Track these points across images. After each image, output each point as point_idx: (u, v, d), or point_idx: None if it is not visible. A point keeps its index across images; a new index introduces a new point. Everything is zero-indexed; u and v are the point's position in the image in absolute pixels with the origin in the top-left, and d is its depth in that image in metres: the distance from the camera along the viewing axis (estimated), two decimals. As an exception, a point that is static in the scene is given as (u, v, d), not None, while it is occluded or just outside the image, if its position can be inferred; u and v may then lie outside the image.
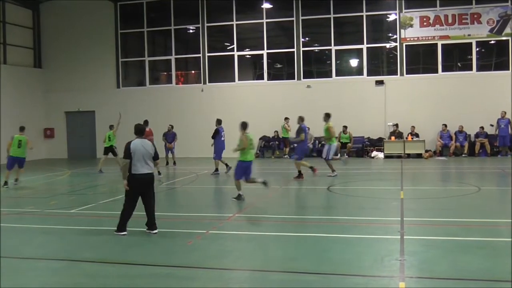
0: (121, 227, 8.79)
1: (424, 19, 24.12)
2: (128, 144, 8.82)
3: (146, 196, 8.88)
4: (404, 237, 8.20)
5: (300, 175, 16.27)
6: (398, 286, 5.92)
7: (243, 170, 12.44)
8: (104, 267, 7.10)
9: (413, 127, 23.53)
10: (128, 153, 8.71)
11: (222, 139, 18.52)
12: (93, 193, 14.56)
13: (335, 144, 17.53)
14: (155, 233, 8.81)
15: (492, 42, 24.31)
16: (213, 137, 18.50)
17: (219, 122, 18.75)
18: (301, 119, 16.40)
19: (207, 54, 26.70)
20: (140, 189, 8.80)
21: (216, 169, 18.34)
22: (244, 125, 13.11)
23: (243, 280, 6.52)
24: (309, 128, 24.23)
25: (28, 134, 17.09)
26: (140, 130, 9.13)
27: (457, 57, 25.32)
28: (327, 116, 17.49)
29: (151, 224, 8.90)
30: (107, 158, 20.05)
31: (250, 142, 12.77)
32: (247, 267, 7.01)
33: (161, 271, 6.80)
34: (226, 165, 18.21)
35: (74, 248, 8.17)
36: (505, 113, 22.47)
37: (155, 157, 8.97)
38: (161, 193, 14.36)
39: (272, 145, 25.26)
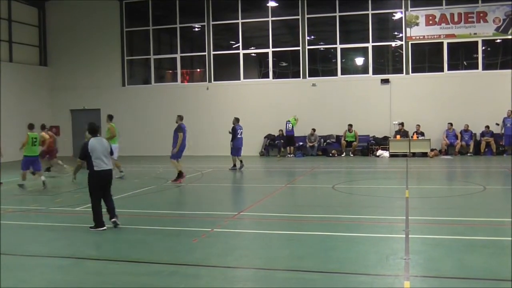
0: (98, 223, 9.05)
1: (430, 17, 24.04)
2: (85, 144, 9.21)
3: (105, 190, 9.29)
4: (409, 236, 8.18)
5: (179, 176, 15.64)
6: (403, 285, 5.91)
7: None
8: (109, 264, 7.12)
9: (419, 125, 23.47)
10: (84, 153, 9.13)
11: (239, 136, 19.16)
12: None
13: (116, 145, 17.10)
14: (115, 221, 9.13)
15: (498, 40, 24.21)
16: (233, 135, 19.05)
17: (237, 120, 19.33)
18: (180, 118, 16.01)
19: (212, 52, 26.71)
20: (102, 183, 9.22)
21: (240, 163, 18.99)
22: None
23: (247, 278, 6.53)
24: (314, 130, 24.31)
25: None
26: (95, 129, 9.52)
27: (463, 56, 25.24)
28: (109, 118, 17.72)
29: (112, 211, 9.24)
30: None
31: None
32: (252, 265, 7.01)
33: (166, 269, 6.81)
34: (241, 161, 18.91)
35: (79, 246, 8.19)
36: (512, 112, 22.43)
37: (111, 153, 9.48)
38: (167, 191, 14.40)
39: (278, 144, 25.24)
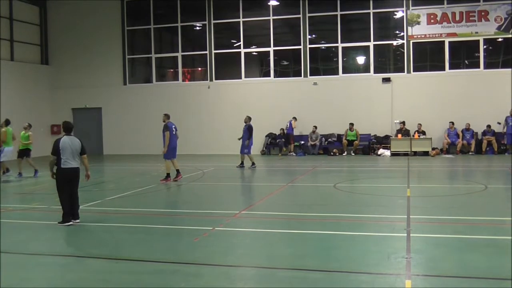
0: (65, 218, 9.37)
1: (431, 16, 24.01)
2: (57, 141, 9.52)
3: (71, 188, 9.51)
4: (411, 235, 8.18)
5: (177, 174, 15.68)
6: (404, 284, 5.90)
7: None
8: (110, 263, 7.12)
9: (420, 124, 23.45)
10: (56, 150, 9.41)
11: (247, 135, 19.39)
12: (100, 190, 14.60)
13: (10, 148, 17.15)
14: (78, 222, 9.37)
15: (500, 39, 24.14)
16: (250, 134, 19.15)
17: (249, 118, 19.39)
18: (167, 117, 15.88)
19: (213, 51, 26.70)
20: (67, 180, 9.45)
21: (242, 163, 19.21)
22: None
23: (249, 277, 6.52)
24: (315, 127, 24.32)
25: (35, 130, 17.21)
26: (68, 128, 9.77)
27: (464, 55, 25.19)
28: (6, 123, 17.56)
29: (74, 213, 9.46)
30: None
31: None
32: (253, 264, 7.00)
33: (167, 267, 6.81)
34: (253, 163, 19.09)
35: (80, 244, 8.19)
36: (515, 110, 22.39)
37: (82, 152, 9.63)
38: (168, 190, 14.40)
39: (279, 143, 25.24)
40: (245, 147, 19.25)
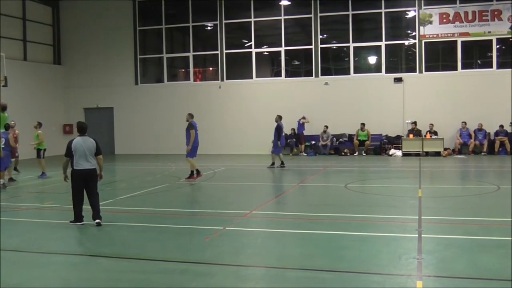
0: (77, 217, 9.31)
1: (444, 16, 23.87)
2: (70, 142, 9.38)
3: (88, 190, 9.35)
4: (422, 235, 8.14)
5: (197, 173, 15.66)
6: (415, 285, 5.88)
7: None
8: (122, 262, 7.16)
9: (432, 124, 23.32)
10: (68, 151, 9.29)
11: (283, 134, 19.28)
12: (111, 189, 14.67)
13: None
14: (98, 222, 9.18)
15: (513, 39, 23.97)
16: (278, 134, 18.86)
17: (280, 117, 19.15)
18: (190, 116, 15.95)
19: (225, 51, 26.73)
20: (82, 182, 9.29)
21: (273, 163, 19.05)
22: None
23: (259, 277, 6.53)
24: (326, 127, 24.26)
25: (47, 129, 17.31)
26: (82, 128, 9.57)
27: (477, 54, 25.03)
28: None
29: (95, 215, 9.28)
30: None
31: None
32: (264, 264, 7.01)
33: (178, 267, 6.83)
34: (282, 162, 18.95)
35: (93, 243, 8.25)
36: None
37: (97, 153, 9.43)
38: (179, 189, 14.45)
39: (290, 143, 25.21)
40: (276, 147, 19.06)
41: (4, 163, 14.93)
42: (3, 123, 15.53)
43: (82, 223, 9.26)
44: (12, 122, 17.56)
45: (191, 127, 15.57)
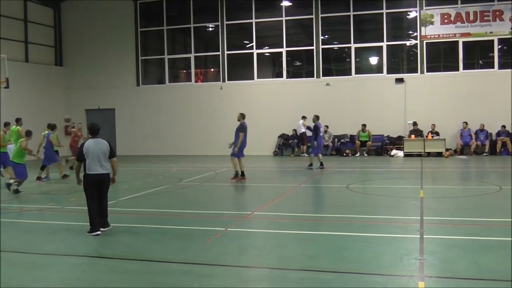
0: (92, 227, 8.73)
1: (445, 16, 23.87)
2: (82, 145, 8.99)
3: (99, 195, 8.87)
4: (424, 236, 8.13)
5: (242, 175, 15.73)
6: (417, 285, 5.87)
7: None
8: (123, 263, 7.16)
9: (434, 125, 23.31)
10: (80, 155, 8.86)
11: (321, 135, 19.13)
12: (113, 190, 14.63)
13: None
14: (107, 229, 8.83)
15: (515, 39, 23.96)
16: (316, 134, 18.64)
17: (317, 118, 18.90)
18: (242, 116, 15.91)
19: (226, 52, 26.75)
20: (96, 187, 8.81)
21: (311, 164, 18.87)
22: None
23: (261, 278, 6.52)
24: (327, 127, 24.27)
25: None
26: (94, 130, 9.12)
27: (478, 55, 25.02)
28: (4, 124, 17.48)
29: (102, 222, 8.84)
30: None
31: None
32: (266, 265, 7.00)
33: (180, 268, 6.83)
34: (321, 163, 18.73)
35: (94, 245, 8.24)
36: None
37: (111, 155, 8.98)
38: (180, 190, 14.45)
39: (291, 144, 25.21)
40: (314, 148, 18.94)
41: (45, 161, 16.48)
42: (14, 136, 16.33)
43: (98, 233, 8.66)
44: (80, 124, 19.57)
45: (241, 129, 15.65)
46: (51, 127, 17.25)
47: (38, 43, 27.50)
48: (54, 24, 28.89)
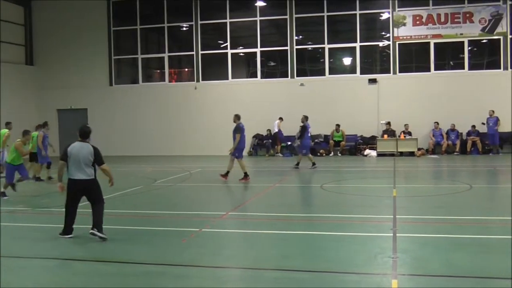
0: (65, 229, 8.49)
1: (417, 18, 24.20)
2: (67, 146, 8.53)
3: (90, 200, 8.54)
4: (397, 235, 8.23)
5: (226, 174, 15.75)
6: (390, 283, 5.94)
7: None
8: (97, 265, 7.08)
9: (407, 125, 23.60)
10: (63, 155, 8.44)
11: (309, 135, 19.04)
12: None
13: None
14: (92, 232, 8.28)
15: (484, 41, 24.42)
16: (302, 133, 18.68)
17: (306, 118, 18.87)
18: (237, 118, 15.94)
19: (200, 52, 26.66)
20: (77, 193, 8.41)
21: (314, 163, 18.74)
22: None
23: (236, 278, 6.53)
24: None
25: (19, 131, 16.92)
26: (84, 133, 8.60)
27: (449, 56, 25.43)
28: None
29: (94, 222, 8.40)
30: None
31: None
32: (241, 265, 7.01)
33: (155, 269, 6.79)
34: (313, 163, 18.68)
35: (66, 247, 8.13)
36: (493, 112, 22.63)
37: (98, 163, 8.51)
38: (155, 191, 14.36)
39: (266, 144, 25.26)
40: (302, 147, 18.93)
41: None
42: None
43: (71, 236, 8.50)
44: None
45: (238, 130, 15.66)
46: (42, 126, 17.03)
47: (7, 41, 26.96)
48: (24, 22, 28.38)
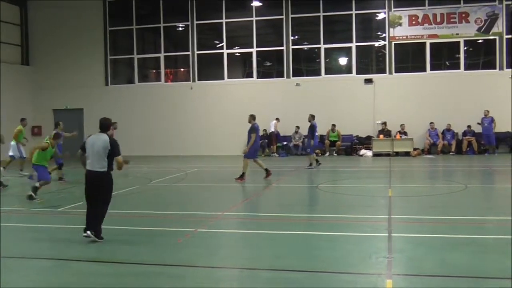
0: (86, 226, 8.25)
1: (413, 18, 24.26)
2: (88, 136, 8.57)
3: (96, 194, 8.24)
4: (392, 234, 8.26)
5: (242, 176, 15.66)
6: (385, 283, 5.96)
7: None
8: (93, 266, 7.08)
9: (403, 125, 23.65)
10: (82, 145, 8.46)
11: (316, 134, 18.99)
12: (81, 191, 14.45)
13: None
14: (87, 235, 8.10)
15: (480, 41, 24.51)
16: (312, 133, 18.53)
17: (313, 117, 18.80)
18: (252, 118, 15.93)
19: (196, 52, 26.65)
20: (90, 185, 8.24)
21: (317, 162, 18.73)
22: None
23: (232, 278, 6.54)
24: (298, 127, 24.39)
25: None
26: (102, 125, 8.52)
27: (445, 56, 25.51)
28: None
29: (94, 227, 8.17)
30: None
31: None
32: (237, 265, 7.02)
33: (151, 269, 6.80)
34: (317, 161, 18.71)
35: (63, 247, 8.12)
36: (488, 112, 22.70)
37: (114, 154, 8.31)
38: (150, 191, 14.35)
39: (262, 143, 25.23)
40: (313, 147, 18.86)
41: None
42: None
43: (85, 234, 8.15)
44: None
45: (253, 130, 15.64)
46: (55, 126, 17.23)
47: (3, 41, 26.88)
48: (20, 22, 28.31)
